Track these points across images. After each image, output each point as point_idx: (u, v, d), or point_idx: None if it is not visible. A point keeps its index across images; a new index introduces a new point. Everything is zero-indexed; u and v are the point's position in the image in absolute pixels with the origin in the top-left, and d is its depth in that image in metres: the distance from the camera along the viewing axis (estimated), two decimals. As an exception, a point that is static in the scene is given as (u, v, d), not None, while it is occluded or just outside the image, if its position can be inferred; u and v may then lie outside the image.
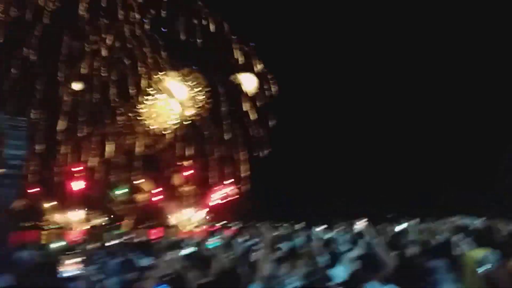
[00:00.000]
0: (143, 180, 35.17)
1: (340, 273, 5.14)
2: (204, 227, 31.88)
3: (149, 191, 35.20)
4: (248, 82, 35.33)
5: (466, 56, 28.05)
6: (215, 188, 36.88)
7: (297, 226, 11.07)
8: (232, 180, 37.03)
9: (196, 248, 6.47)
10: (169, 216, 35.20)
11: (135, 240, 10.95)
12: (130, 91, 35.24)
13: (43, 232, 29.31)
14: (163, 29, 35.57)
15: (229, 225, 21.82)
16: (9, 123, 12.58)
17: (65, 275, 2.34)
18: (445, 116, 29.33)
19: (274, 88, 35.93)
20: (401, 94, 29.67)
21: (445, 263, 5.15)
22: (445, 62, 29.51)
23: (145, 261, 7.03)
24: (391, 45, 31.10)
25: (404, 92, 29.85)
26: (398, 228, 7.67)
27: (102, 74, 34.36)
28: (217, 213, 35.46)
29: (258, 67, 35.96)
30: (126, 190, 35.16)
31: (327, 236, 8.12)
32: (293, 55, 31.90)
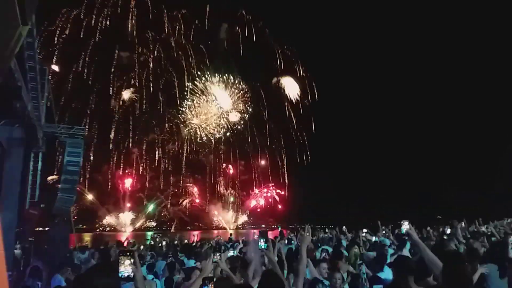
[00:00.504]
0: (189, 184, 36.19)
1: (385, 276, 5.08)
2: (250, 229, 32.18)
3: (195, 195, 36.17)
4: (290, 88, 35.35)
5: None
6: (258, 192, 37.19)
7: (339, 229, 10.96)
8: (273, 184, 37.20)
9: (241, 250, 6.62)
10: (213, 219, 35.95)
11: (182, 242, 11.31)
12: (177, 99, 36.56)
13: (98, 234, 30.94)
14: (207, 41, 36.59)
15: (272, 227, 21.95)
16: (67, 132, 13.48)
17: (121, 275, 2.55)
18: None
19: (316, 93, 35.71)
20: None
21: (497, 267, 4.90)
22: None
23: (190, 263, 7.30)
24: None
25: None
26: (445, 231, 7.39)
27: (150, 84, 35.93)
28: (259, 215, 35.73)
29: (301, 72, 35.92)
30: (173, 193, 36.34)
31: (373, 239, 8.00)
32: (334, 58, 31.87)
